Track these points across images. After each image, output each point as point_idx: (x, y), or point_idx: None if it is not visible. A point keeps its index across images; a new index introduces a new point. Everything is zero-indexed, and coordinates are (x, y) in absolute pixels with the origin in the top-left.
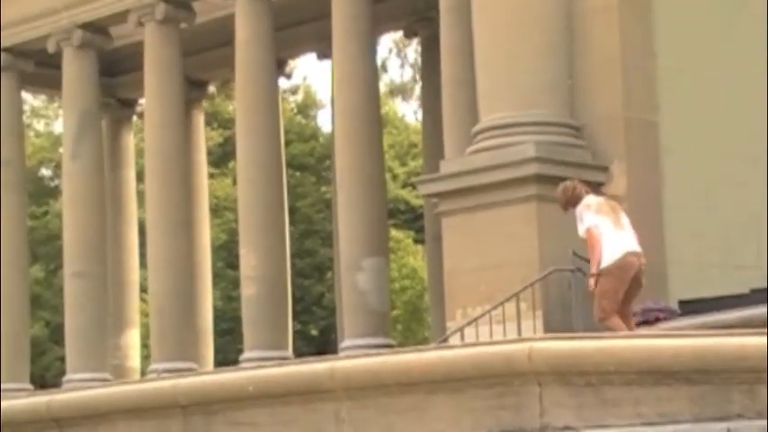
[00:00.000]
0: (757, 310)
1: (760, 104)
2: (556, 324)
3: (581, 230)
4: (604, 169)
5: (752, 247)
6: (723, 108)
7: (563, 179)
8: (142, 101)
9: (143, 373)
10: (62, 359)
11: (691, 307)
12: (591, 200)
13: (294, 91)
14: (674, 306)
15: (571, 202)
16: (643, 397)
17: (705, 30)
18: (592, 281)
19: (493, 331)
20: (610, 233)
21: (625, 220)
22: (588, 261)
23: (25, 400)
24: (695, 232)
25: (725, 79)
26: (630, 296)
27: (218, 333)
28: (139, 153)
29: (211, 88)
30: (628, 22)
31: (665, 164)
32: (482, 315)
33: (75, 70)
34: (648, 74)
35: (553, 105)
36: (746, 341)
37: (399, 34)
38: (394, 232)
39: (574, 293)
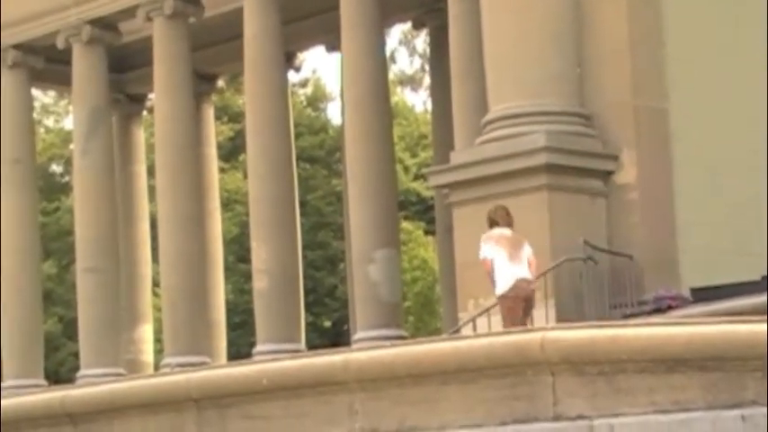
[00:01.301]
0: None
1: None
2: (568, 312)
3: (479, 256)
4: (614, 158)
5: (763, 234)
6: (732, 95)
7: (574, 168)
8: (152, 96)
9: (156, 367)
10: (76, 354)
11: (703, 294)
12: (494, 233)
13: (303, 84)
14: (686, 293)
15: (488, 223)
16: (656, 385)
17: (713, 17)
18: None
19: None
20: (504, 264)
21: (524, 252)
22: (602, 250)
23: (39, 396)
24: (706, 220)
25: (734, 66)
26: (525, 313)
27: (231, 326)
28: (150, 148)
29: (221, 82)
30: (636, 10)
31: (676, 151)
32: (494, 305)
33: (85, 66)
34: (657, 62)
35: (562, 95)
36: (758, 328)
37: (408, 25)
38: (405, 224)
39: (585, 282)
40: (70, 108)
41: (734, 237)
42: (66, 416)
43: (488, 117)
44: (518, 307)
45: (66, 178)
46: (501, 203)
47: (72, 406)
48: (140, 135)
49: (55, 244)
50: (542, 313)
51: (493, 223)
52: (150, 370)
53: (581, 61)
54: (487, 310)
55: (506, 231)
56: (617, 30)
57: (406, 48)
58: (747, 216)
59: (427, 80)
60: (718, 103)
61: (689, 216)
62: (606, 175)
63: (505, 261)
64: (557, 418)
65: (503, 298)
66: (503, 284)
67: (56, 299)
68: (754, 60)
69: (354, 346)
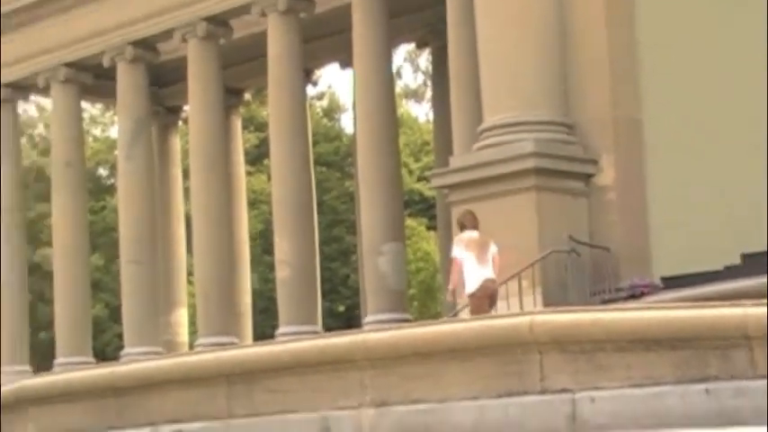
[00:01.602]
0: (731, 285)
1: (739, 101)
2: (553, 299)
3: (451, 254)
4: (594, 162)
5: (727, 230)
6: (703, 105)
7: (559, 171)
8: (187, 108)
9: (191, 346)
10: (120, 336)
11: (672, 282)
12: (465, 235)
13: (320, 97)
14: (658, 282)
15: (459, 227)
16: (632, 362)
17: (685, 34)
18: (449, 295)
19: (498, 306)
20: (473, 267)
21: (490, 254)
22: (583, 244)
23: (88, 372)
24: (675, 218)
25: (705, 79)
26: (490, 307)
27: (256, 311)
28: (185, 154)
29: (247, 96)
30: (614, 30)
31: (649, 157)
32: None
33: (128, 82)
34: (633, 77)
35: (549, 106)
36: (721, 312)
37: (412, 45)
38: (409, 221)
39: (569, 272)
40: (115, 119)
41: (699, 232)
42: (111, 389)
43: (483, 126)
44: (484, 303)
45: (112, 180)
46: (469, 208)
47: (118, 381)
48: (177, 143)
49: (101, 239)
50: (530, 299)
51: (462, 226)
52: (186, 349)
53: (565, 76)
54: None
55: (474, 234)
56: (597, 49)
57: (410, 65)
58: (711, 214)
59: (429, 93)
60: (686, 114)
61: (660, 214)
62: (587, 178)
63: (474, 264)
64: (543, 392)
65: (471, 296)
66: (472, 284)
67: (102, 287)
68: (724, 73)
69: (365, 328)
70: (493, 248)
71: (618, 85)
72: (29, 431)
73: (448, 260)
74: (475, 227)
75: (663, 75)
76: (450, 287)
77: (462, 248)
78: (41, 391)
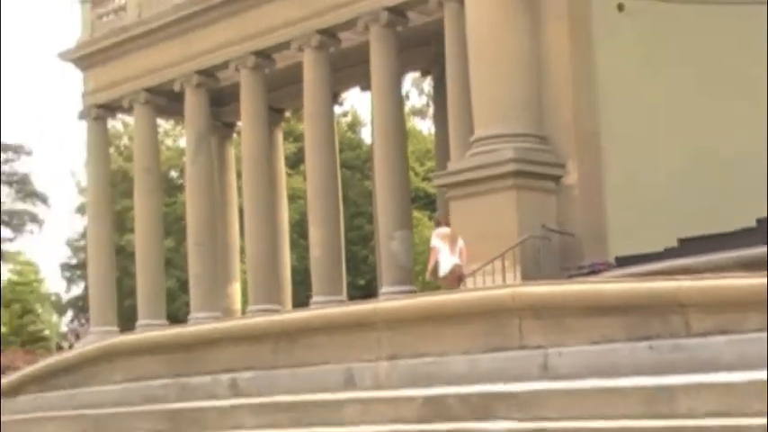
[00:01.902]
0: (669, 263)
1: (674, 117)
2: (530, 275)
3: (430, 244)
4: (562, 166)
5: (667, 219)
6: (646, 120)
7: (534, 174)
8: (239, 123)
9: (243, 312)
10: (187, 303)
11: (624, 261)
12: (440, 231)
13: (345, 114)
14: (612, 261)
15: (435, 224)
16: (591, 324)
17: (634, 63)
18: (428, 274)
19: (486, 280)
20: (445, 254)
21: (458, 245)
22: (553, 231)
23: (163, 332)
24: (626, 209)
25: (649, 99)
26: (458, 285)
27: (295, 283)
28: (238, 160)
29: (287, 113)
30: (576, 60)
31: (605, 161)
32: (478, 269)
33: (193, 103)
34: (592, 97)
35: (525, 121)
36: (661, 285)
37: (418, 73)
38: (416, 213)
39: (542, 253)
40: (183, 132)
41: (645, 221)
42: (181, 346)
43: (474, 137)
44: (454, 283)
45: (181, 181)
46: (443, 211)
47: (185, 339)
48: (231, 151)
49: (173, 226)
50: (511, 275)
51: (438, 224)
52: (239, 315)
53: (538, 98)
54: (473, 273)
55: (447, 230)
56: (562, 75)
57: (416, 89)
58: (655, 206)
59: (431, 111)
60: (634, 127)
61: (614, 206)
62: (556, 179)
63: (447, 253)
64: (522, 348)
65: (443, 278)
66: (444, 269)
67: (174, 264)
68: (662, 96)
69: (381, 298)
70: (460, 242)
71: (579, 104)
72: (116, 378)
73: (428, 248)
74: (447, 224)
75: (616, 96)
76: (429, 268)
77: (438, 240)
78: (127, 347)
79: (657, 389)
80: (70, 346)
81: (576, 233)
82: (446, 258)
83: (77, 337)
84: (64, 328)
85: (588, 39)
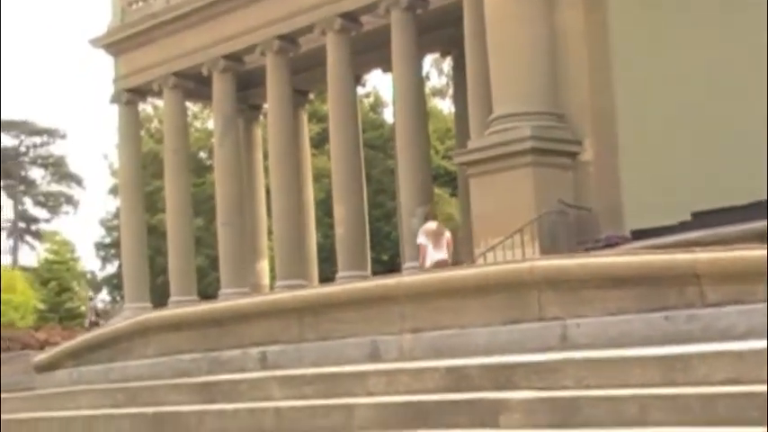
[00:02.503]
0: (684, 236)
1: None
2: (547, 248)
3: (417, 242)
4: (579, 143)
5: (681, 194)
6: (661, 97)
7: (551, 151)
8: (265, 106)
9: (271, 288)
10: (217, 279)
11: (639, 234)
12: (428, 225)
13: (367, 95)
14: (628, 234)
15: (424, 219)
16: (608, 296)
17: (649, 42)
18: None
19: (506, 254)
20: (430, 250)
21: (444, 239)
22: (570, 206)
23: (194, 307)
24: (641, 183)
25: (663, 76)
26: None
27: (320, 260)
28: (264, 141)
29: (311, 95)
30: (592, 40)
31: (620, 138)
32: (498, 244)
33: (220, 87)
34: (607, 76)
35: (543, 100)
36: (676, 257)
37: (437, 54)
38: (436, 189)
39: (559, 228)
40: (211, 115)
41: (660, 195)
42: (212, 321)
43: (493, 116)
44: None
45: (209, 162)
46: (431, 206)
47: (216, 314)
48: (258, 132)
49: (202, 206)
50: (530, 249)
51: (427, 219)
52: (267, 290)
53: (555, 77)
54: (493, 247)
55: (433, 225)
56: (579, 53)
57: (436, 69)
58: (669, 181)
59: (451, 91)
60: (648, 104)
61: (629, 181)
62: (573, 155)
63: (431, 249)
64: (540, 320)
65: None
66: (429, 263)
67: (204, 243)
68: (675, 74)
69: (404, 272)
70: (447, 235)
71: (595, 83)
72: (150, 352)
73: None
74: (434, 218)
75: (631, 74)
76: (419, 263)
77: (424, 237)
78: (159, 323)
79: (673, 358)
80: (91, 324)
81: (592, 208)
82: (430, 254)
83: (97, 314)
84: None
85: (604, 18)
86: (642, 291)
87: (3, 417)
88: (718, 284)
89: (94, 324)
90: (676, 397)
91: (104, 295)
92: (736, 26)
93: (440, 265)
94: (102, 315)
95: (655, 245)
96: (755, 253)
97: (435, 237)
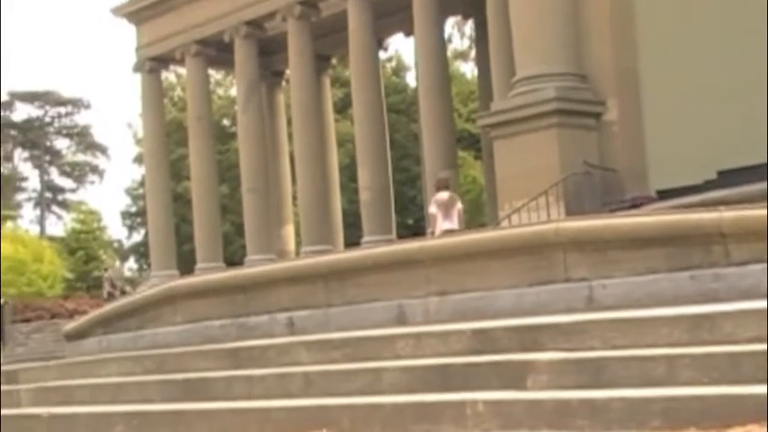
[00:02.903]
0: (709, 195)
1: (710, 53)
2: (573, 209)
3: (429, 211)
4: (602, 104)
5: (706, 153)
6: (685, 56)
7: (574, 112)
8: (288, 71)
9: (297, 253)
10: (243, 246)
11: (665, 194)
12: (439, 196)
13: (390, 59)
14: (653, 194)
15: (435, 188)
16: (634, 257)
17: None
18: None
19: (530, 216)
20: (440, 220)
21: (455, 209)
22: (595, 167)
23: (221, 274)
24: (666, 144)
25: (687, 34)
26: None
27: (346, 225)
28: (287, 107)
29: (334, 60)
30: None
31: (644, 98)
32: (522, 206)
33: (242, 53)
34: (630, 35)
35: (566, 61)
36: (701, 216)
37: (459, 17)
38: (460, 152)
39: (584, 188)
40: (234, 81)
41: (685, 155)
42: (239, 287)
43: (516, 78)
44: None
45: (233, 129)
46: (442, 176)
47: (243, 280)
48: (281, 98)
49: (227, 173)
50: (555, 211)
51: (438, 189)
52: (293, 256)
53: (578, 37)
54: (518, 209)
55: (445, 195)
56: (601, 13)
57: (458, 32)
58: (694, 140)
59: (473, 54)
60: (672, 63)
61: (654, 141)
62: (597, 116)
63: (441, 219)
64: (567, 281)
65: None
66: (438, 229)
67: (229, 210)
68: (699, 32)
69: (429, 236)
70: (459, 206)
71: (618, 43)
72: (178, 319)
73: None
74: (446, 188)
75: (654, 33)
76: (429, 232)
77: (435, 207)
78: (187, 290)
79: (700, 317)
80: (108, 296)
81: (617, 168)
82: (440, 224)
83: (113, 285)
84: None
85: None
86: (668, 251)
87: (34, 385)
88: (743, 243)
89: (111, 295)
90: (703, 356)
91: (131, 263)
92: None
93: (448, 232)
94: (121, 286)
95: (680, 204)
96: None
97: (446, 207)
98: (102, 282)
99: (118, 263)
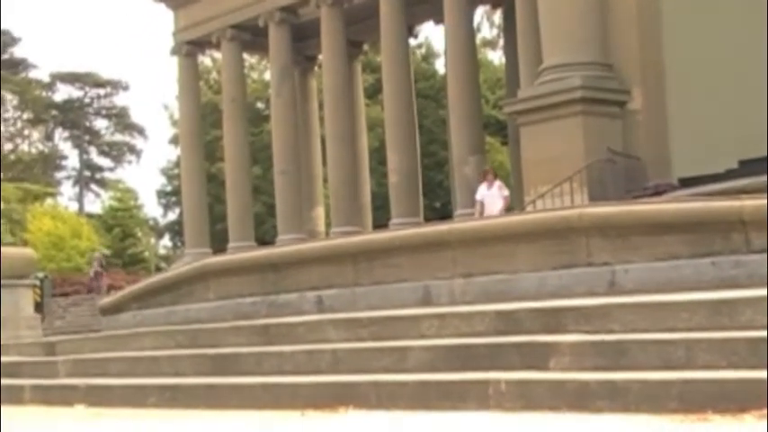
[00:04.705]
0: (731, 183)
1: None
2: (596, 196)
3: (476, 197)
4: (627, 93)
5: (728, 143)
6: (707, 50)
7: (599, 100)
8: (320, 57)
9: (327, 234)
10: (274, 226)
11: (687, 182)
12: (483, 185)
13: (420, 46)
14: (676, 182)
15: (481, 178)
16: (655, 242)
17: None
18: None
19: (554, 202)
20: (486, 207)
21: (501, 197)
22: (619, 154)
23: (252, 253)
24: (689, 133)
25: (710, 30)
26: None
27: (374, 207)
28: (319, 92)
29: (365, 47)
30: None
31: (668, 88)
32: (548, 191)
33: (276, 39)
34: (656, 28)
35: (592, 50)
36: (723, 204)
37: (488, 6)
38: (488, 138)
39: (608, 175)
40: (267, 66)
41: (707, 144)
42: (270, 265)
43: (543, 66)
44: None
45: (266, 111)
46: (488, 167)
47: (274, 259)
48: (313, 83)
49: (260, 155)
50: (579, 197)
51: (483, 178)
52: (323, 236)
53: (605, 28)
54: (542, 195)
55: (488, 183)
56: (628, 5)
57: (487, 21)
58: (716, 130)
59: (501, 42)
60: (695, 56)
61: (677, 131)
62: (621, 104)
63: (487, 206)
64: (589, 265)
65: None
66: (487, 213)
67: (261, 190)
68: (721, 28)
69: (455, 219)
70: (505, 192)
71: (644, 34)
72: (210, 296)
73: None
74: (494, 177)
75: (679, 26)
76: (476, 216)
77: (479, 195)
78: (219, 267)
79: (720, 302)
80: (95, 275)
81: (640, 156)
82: (486, 210)
83: (101, 265)
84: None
85: None
86: (689, 237)
87: (71, 357)
88: (763, 231)
89: (99, 275)
90: (723, 341)
91: (166, 241)
92: None
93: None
94: (107, 267)
95: (702, 192)
96: None
97: (491, 196)
98: (92, 261)
99: (105, 250)
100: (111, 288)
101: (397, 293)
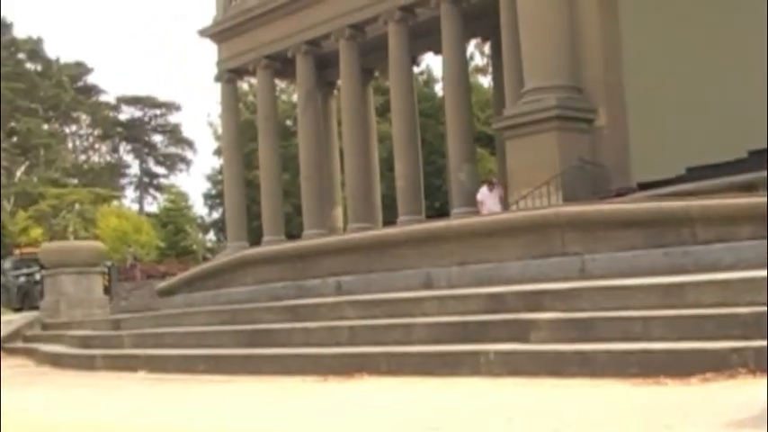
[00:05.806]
0: (680, 187)
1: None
2: (569, 197)
3: (477, 197)
4: (594, 111)
5: (676, 152)
6: (663, 74)
7: (572, 118)
8: (339, 82)
9: (344, 229)
10: (301, 223)
11: (645, 186)
12: (484, 188)
13: (421, 73)
14: (635, 186)
15: (484, 182)
16: (618, 236)
17: (653, 31)
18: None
19: (534, 202)
20: (486, 207)
21: (497, 197)
22: (588, 162)
23: (283, 246)
24: (646, 144)
25: (665, 57)
26: None
27: (384, 206)
28: (338, 111)
29: (376, 73)
30: (604, 26)
31: (628, 107)
32: (528, 193)
33: (303, 67)
34: (617, 56)
35: (565, 76)
36: (673, 203)
37: (479, 39)
38: (479, 149)
39: (578, 180)
40: (295, 89)
41: (660, 154)
42: (297, 256)
43: (524, 89)
44: None
45: (294, 128)
46: (493, 178)
47: (301, 250)
48: (333, 104)
49: (289, 164)
50: (555, 198)
51: (484, 183)
52: (341, 231)
53: (575, 57)
54: (524, 196)
55: (489, 187)
56: (594, 38)
57: (478, 52)
58: (669, 141)
59: (490, 69)
60: (652, 80)
61: (635, 142)
62: (590, 122)
63: (488, 205)
64: (564, 255)
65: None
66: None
67: (290, 193)
68: (676, 55)
69: (452, 217)
70: (500, 190)
71: (608, 62)
72: (248, 281)
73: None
74: (495, 182)
75: (636, 55)
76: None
77: (481, 196)
78: (256, 257)
79: (671, 285)
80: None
81: (605, 164)
82: (486, 209)
83: (135, 258)
84: (208, 244)
85: (614, 8)
86: (646, 232)
87: (134, 331)
88: (707, 226)
89: (133, 266)
90: (673, 318)
91: (211, 236)
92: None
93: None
94: (140, 260)
95: (656, 194)
96: (737, 200)
97: (490, 197)
98: (127, 256)
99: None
100: (166, 274)
101: (403, 279)
